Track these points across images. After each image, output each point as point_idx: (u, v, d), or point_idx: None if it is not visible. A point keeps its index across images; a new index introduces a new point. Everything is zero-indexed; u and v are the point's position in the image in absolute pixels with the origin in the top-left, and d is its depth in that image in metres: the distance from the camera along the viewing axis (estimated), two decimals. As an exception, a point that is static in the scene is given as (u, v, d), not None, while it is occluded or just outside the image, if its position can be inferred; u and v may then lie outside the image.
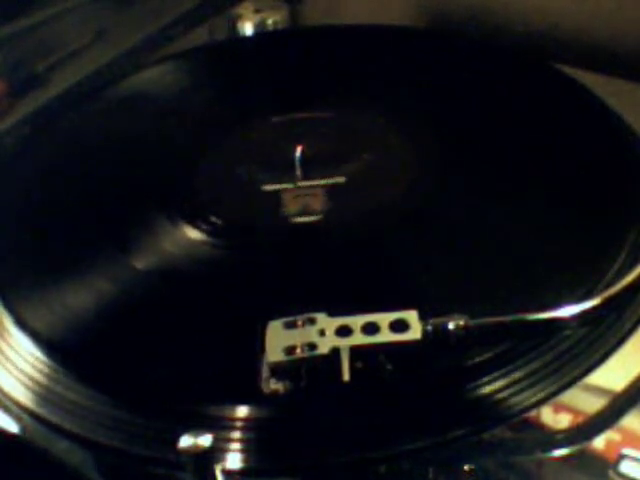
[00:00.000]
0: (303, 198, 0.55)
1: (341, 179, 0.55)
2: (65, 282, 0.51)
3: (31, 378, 0.47)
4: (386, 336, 0.42)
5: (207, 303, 0.49)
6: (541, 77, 0.62)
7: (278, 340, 0.42)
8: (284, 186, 0.56)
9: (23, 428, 0.47)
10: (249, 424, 0.43)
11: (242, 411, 0.43)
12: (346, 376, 0.41)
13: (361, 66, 0.66)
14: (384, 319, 0.42)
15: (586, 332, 0.45)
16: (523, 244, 0.50)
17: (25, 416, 0.47)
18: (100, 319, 0.49)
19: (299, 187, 0.55)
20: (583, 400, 0.45)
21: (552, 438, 0.45)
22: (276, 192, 0.55)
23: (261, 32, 0.74)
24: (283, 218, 0.54)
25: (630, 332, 0.47)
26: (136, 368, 0.46)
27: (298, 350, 0.42)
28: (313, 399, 0.42)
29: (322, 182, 0.55)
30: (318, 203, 0.54)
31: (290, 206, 0.54)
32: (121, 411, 0.45)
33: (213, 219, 0.53)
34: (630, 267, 0.46)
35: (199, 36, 0.77)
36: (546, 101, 0.60)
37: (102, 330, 0.48)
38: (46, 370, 0.47)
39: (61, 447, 0.46)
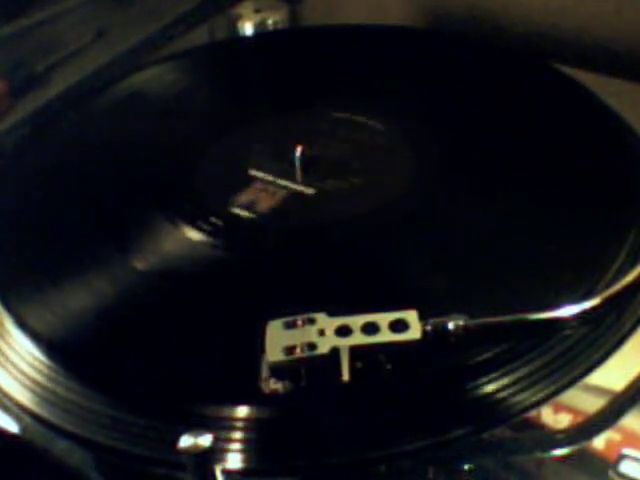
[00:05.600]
0: (259, 193, 0.54)
1: (310, 190, 0.55)
2: (65, 282, 0.51)
3: (31, 378, 0.47)
4: (386, 336, 0.42)
5: (207, 303, 0.49)
6: (541, 77, 0.62)
7: (278, 340, 0.42)
8: (264, 177, 0.56)
9: (23, 428, 0.47)
10: (249, 424, 0.43)
11: (242, 411, 0.43)
12: (346, 376, 0.41)
13: (361, 66, 0.66)
14: (384, 319, 0.42)
15: (586, 332, 0.45)
16: (523, 244, 0.50)
17: (25, 416, 0.46)
18: (100, 319, 0.49)
19: (273, 183, 0.55)
20: (583, 400, 0.45)
21: (552, 438, 0.45)
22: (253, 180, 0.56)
23: (261, 32, 0.74)
24: (226, 204, 0.54)
25: (630, 332, 0.47)
26: (136, 368, 0.46)
27: (298, 350, 0.42)
28: (313, 399, 0.42)
29: (292, 185, 0.55)
30: (265, 203, 0.54)
31: (243, 196, 0.54)
32: (121, 411, 0.45)
33: (213, 219, 0.54)
34: (630, 267, 0.46)
35: (199, 36, 0.77)
36: (546, 101, 0.60)
37: (102, 330, 0.48)
38: (46, 370, 0.47)
39: (61, 447, 0.46)
